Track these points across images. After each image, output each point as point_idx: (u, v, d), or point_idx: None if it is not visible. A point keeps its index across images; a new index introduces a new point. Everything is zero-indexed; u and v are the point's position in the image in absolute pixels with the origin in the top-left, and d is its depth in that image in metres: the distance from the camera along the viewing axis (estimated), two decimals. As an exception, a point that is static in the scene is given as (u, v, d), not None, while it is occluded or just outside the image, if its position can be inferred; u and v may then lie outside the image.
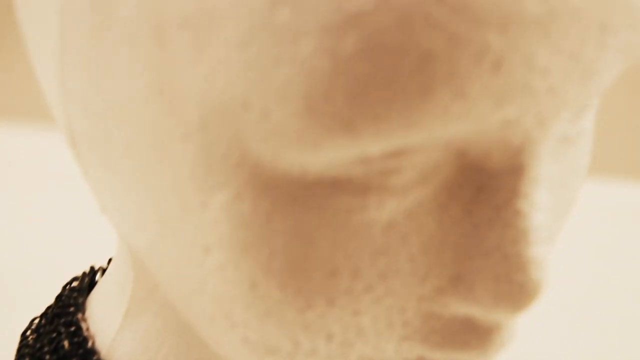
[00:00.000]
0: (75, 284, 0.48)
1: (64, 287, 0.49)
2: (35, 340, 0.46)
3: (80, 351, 0.43)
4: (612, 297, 1.59)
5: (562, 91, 0.29)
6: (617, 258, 1.61)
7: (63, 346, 0.44)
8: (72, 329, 0.44)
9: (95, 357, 0.43)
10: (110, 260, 0.52)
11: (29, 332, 0.47)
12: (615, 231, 1.59)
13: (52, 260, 1.51)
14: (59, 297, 0.48)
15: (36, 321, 0.48)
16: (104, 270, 0.50)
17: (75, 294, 0.47)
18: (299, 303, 0.32)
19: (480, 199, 0.31)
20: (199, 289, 0.33)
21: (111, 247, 1.52)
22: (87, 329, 0.44)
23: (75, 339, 0.44)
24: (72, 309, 0.46)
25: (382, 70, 0.26)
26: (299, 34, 0.26)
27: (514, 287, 0.31)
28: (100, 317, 0.44)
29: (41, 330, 0.46)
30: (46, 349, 0.44)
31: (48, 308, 0.48)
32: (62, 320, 0.45)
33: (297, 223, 0.30)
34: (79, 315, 0.45)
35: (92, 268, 0.50)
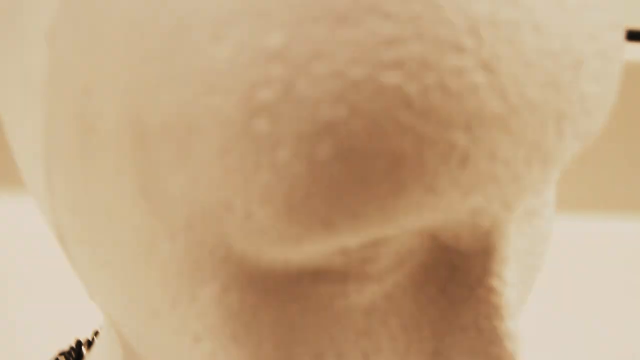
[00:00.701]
0: (61, 358, 0.49)
1: (52, 363, 0.50)
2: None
3: None
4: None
5: (526, 178, 0.30)
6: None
7: None
8: None
9: None
10: (96, 332, 0.53)
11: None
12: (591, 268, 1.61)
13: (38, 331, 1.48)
14: None
15: None
16: (89, 342, 0.51)
17: None
18: None
19: (454, 278, 0.33)
20: None
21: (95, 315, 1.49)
22: None
23: None
24: None
25: (357, 172, 0.28)
26: (277, 142, 0.27)
27: (491, 359, 0.33)
28: None
29: None
30: None
31: (37, 385, 0.49)
32: None
33: (283, 312, 0.32)
34: None
35: (78, 342, 0.51)
